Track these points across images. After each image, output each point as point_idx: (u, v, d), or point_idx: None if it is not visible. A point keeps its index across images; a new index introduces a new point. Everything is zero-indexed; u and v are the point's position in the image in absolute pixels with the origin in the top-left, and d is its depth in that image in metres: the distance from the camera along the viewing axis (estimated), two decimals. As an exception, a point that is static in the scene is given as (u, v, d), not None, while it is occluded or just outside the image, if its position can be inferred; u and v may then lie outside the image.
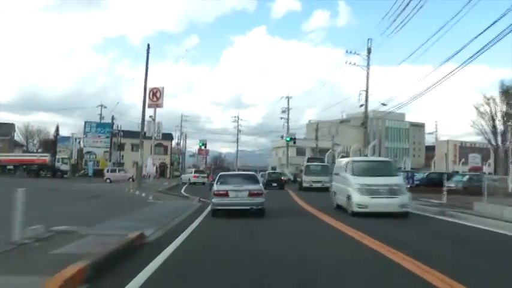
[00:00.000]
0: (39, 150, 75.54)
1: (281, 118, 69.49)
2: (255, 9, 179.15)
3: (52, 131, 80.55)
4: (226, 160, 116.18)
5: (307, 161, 40.80)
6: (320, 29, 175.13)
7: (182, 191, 27.92)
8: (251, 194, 13.17)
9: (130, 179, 45.99)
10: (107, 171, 46.50)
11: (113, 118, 53.00)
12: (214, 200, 13.40)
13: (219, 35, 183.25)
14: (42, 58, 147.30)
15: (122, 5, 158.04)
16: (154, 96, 45.53)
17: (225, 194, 13.17)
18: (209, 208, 14.39)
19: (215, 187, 13.65)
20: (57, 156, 53.62)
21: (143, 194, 22.57)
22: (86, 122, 58.39)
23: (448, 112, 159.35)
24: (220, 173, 15.88)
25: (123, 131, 69.63)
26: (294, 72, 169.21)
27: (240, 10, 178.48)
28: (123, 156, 65.01)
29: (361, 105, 38.19)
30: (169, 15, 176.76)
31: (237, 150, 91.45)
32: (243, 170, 69.78)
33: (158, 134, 48.68)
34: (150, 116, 45.04)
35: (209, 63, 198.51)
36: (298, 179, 38.67)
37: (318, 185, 31.57)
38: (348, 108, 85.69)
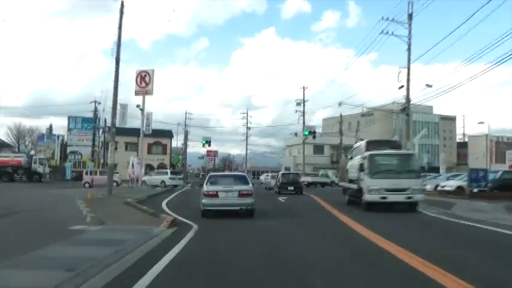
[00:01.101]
0: (32, 152, 67.60)
1: (296, 111, 60.79)
2: (264, 10, 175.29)
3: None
4: (236, 161, 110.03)
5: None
6: (330, 29, 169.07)
7: (165, 203, 19.19)
8: (241, 195, 13.09)
9: (115, 183, 37.58)
10: (86, 174, 38.09)
11: (95, 110, 44.59)
12: (204, 201, 13.16)
13: (228, 37, 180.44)
14: (52, 63, 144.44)
15: (132, 9, 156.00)
16: (143, 81, 37.36)
17: (215, 195, 13.05)
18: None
19: (205, 188, 13.44)
20: (34, 157, 45.37)
21: (85, 211, 13.93)
22: (69, 117, 49.98)
23: (478, 105, 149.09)
24: (210, 174, 16.49)
25: (116, 128, 61.37)
26: (304, 73, 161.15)
27: (250, 12, 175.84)
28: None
29: (401, 87, 29.43)
30: (179, 19, 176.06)
31: (246, 150, 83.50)
32: (253, 172, 60.38)
33: (148, 128, 40.29)
34: (138, 106, 36.92)
35: (218, 65, 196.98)
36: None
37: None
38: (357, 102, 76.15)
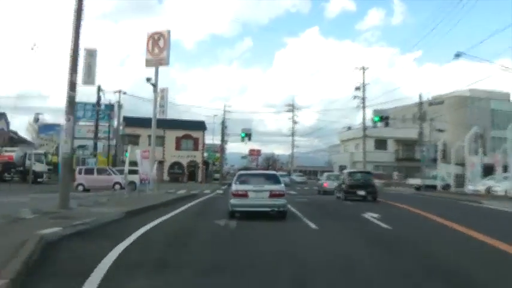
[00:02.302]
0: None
1: (354, 97, 49.30)
2: (308, 10, 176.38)
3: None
4: (280, 161, 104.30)
5: None
6: (375, 28, 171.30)
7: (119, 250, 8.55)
8: (272, 195, 12.39)
9: (117, 185, 27.69)
10: (80, 173, 28.19)
11: (99, 90, 34.55)
12: (232, 201, 12.49)
13: (272, 36, 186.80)
14: (99, 65, 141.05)
15: (176, 10, 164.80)
16: (156, 47, 27.47)
17: (244, 195, 12.37)
18: None
19: (233, 187, 12.78)
20: (28, 152, 36.16)
21: None
22: (76, 104, 40.60)
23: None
24: (239, 172, 15.68)
25: (137, 118, 51.97)
26: (348, 73, 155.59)
27: (294, 12, 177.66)
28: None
29: None
30: (223, 19, 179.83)
31: (293, 146, 72.72)
32: (299, 171, 51.97)
33: (162, 110, 30.09)
34: (149, 79, 26.90)
35: (262, 65, 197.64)
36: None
37: None
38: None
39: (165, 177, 51.36)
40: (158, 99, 26.69)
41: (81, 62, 16.60)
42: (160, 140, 51.77)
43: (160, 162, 51.64)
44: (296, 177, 61.60)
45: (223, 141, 51.47)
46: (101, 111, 44.27)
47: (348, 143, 61.24)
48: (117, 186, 27.30)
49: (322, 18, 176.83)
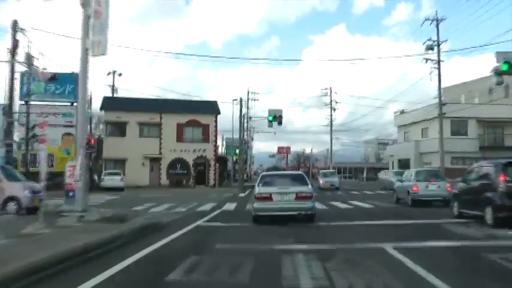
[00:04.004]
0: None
1: (425, 60, 34.93)
2: (336, 7, 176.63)
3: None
4: (313, 157, 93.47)
5: None
6: (402, 23, 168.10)
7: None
8: (299, 197, 11.40)
9: (13, 204, 13.61)
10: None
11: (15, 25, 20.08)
12: (255, 205, 11.68)
13: (299, 35, 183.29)
14: (127, 67, 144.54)
15: (204, 11, 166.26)
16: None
17: (268, 198, 11.47)
18: None
19: (257, 189, 12.03)
20: None
21: None
22: (22, 74, 26.57)
23: None
24: (262, 173, 15.84)
25: (122, 100, 38.59)
26: (376, 68, 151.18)
27: (322, 10, 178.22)
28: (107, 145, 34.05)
29: None
30: (250, 19, 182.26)
31: (331, 140, 58.68)
32: (337, 168, 28.75)
33: (99, 45, 15.62)
34: None
35: (290, 63, 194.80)
36: None
37: None
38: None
39: (164, 179, 37.45)
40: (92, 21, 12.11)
41: None
42: (155, 129, 37.99)
43: (155, 160, 37.72)
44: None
45: (241, 127, 36.80)
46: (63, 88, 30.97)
47: (409, 129, 45.86)
48: (13, 206, 13.29)
49: (349, 15, 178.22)
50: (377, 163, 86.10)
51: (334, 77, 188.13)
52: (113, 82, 46.02)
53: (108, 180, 31.68)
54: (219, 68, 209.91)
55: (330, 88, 62.12)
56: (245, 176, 58.43)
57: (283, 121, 34.30)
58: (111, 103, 37.53)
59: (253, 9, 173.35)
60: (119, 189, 31.34)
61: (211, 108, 39.15)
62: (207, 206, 17.69)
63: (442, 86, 35.32)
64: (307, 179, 12.70)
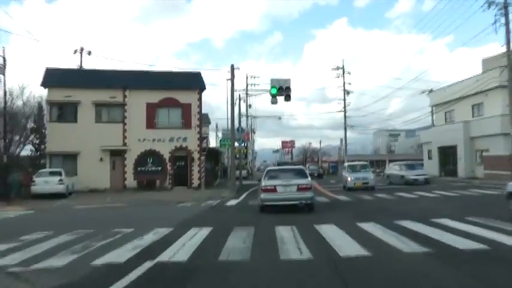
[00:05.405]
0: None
1: (487, 5, 25.55)
2: (338, 1, 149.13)
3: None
4: (321, 151, 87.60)
5: None
6: (405, 15, 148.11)
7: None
8: (300, 189, 12.88)
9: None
10: None
11: None
12: (262, 196, 13.10)
13: (301, 30, 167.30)
14: (130, 67, 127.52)
15: (205, 9, 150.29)
16: None
17: (273, 189, 12.93)
18: None
19: (263, 182, 13.35)
20: None
21: None
22: None
23: None
24: (267, 168, 16.94)
25: (73, 71, 29.12)
26: (378, 62, 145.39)
27: (323, 4, 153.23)
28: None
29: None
30: (252, 15, 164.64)
31: (345, 129, 50.31)
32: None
33: None
34: None
35: (292, 58, 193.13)
36: None
37: None
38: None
39: (130, 180, 27.59)
40: None
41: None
42: (118, 111, 28.15)
43: (118, 153, 27.84)
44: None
45: (233, 112, 26.53)
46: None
47: (453, 107, 35.67)
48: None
49: (351, 8, 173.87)
50: (391, 154, 75.83)
51: (335, 72, 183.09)
52: (81, 62, 36.16)
53: (41, 184, 22.07)
54: (222, 64, 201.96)
55: (343, 67, 53.17)
56: (245, 172, 49.09)
57: (284, 117, 25.15)
58: (56, 77, 27.34)
59: (255, 6, 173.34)
60: (60, 196, 21.86)
61: (193, 81, 28.79)
62: (128, 247, 7.70)
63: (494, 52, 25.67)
64: (307, 172, 14.50)
